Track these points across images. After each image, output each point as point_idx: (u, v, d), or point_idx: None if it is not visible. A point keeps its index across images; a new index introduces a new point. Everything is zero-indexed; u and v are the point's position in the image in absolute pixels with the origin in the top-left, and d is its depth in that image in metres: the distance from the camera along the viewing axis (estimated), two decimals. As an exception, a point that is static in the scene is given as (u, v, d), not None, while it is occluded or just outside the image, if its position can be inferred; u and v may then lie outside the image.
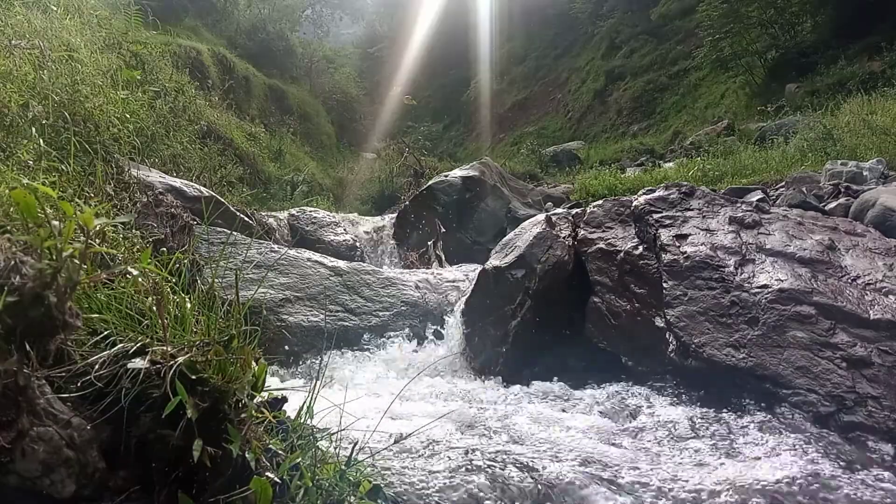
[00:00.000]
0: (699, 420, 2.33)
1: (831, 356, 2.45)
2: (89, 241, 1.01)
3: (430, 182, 7.46)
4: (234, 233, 4.28)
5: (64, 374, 0.99)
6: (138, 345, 1.07)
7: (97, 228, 1.11)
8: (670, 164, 10.66)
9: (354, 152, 17.14)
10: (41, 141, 2.66)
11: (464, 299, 4.00)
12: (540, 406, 2.65)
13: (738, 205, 3.61)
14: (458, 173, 7.40)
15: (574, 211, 4.21)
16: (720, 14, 14.62)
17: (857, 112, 7.88)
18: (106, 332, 1.11)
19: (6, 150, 2.51)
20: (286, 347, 3.46)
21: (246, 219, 5.34)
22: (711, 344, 2.71)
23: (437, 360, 3.51)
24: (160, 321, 1.09)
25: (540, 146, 16.13)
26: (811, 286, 2.77)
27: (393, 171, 11.44)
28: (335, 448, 1.27)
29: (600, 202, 3.95)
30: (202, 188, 4.92)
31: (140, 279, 1.21)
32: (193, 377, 1.02)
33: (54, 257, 0.94)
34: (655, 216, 3.49)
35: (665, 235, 3.31)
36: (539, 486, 1.62)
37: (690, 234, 3.28)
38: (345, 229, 6.89)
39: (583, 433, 2.18)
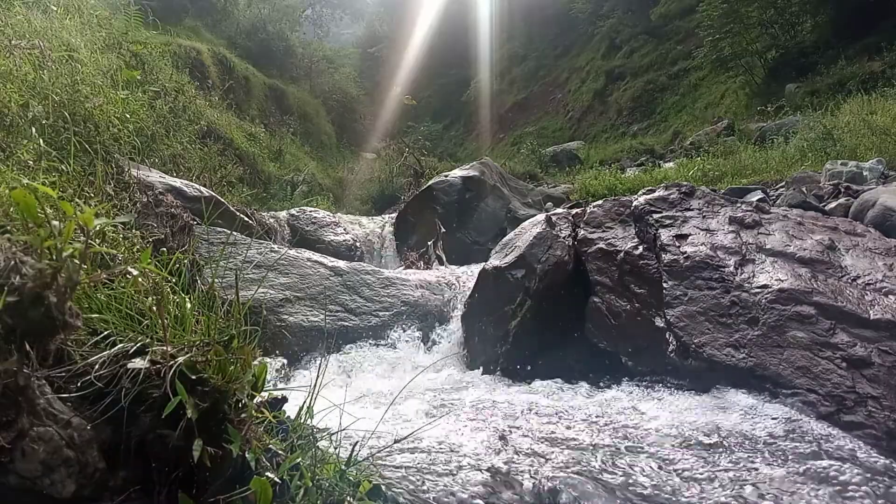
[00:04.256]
0: (698, 420, 2.33)
1: (831, 356, 2.45)
2: (89, 241, 1.01)
3: (430, 182, 7.46)
4: (234, 233, 4.28)
5: (64, 374, 0.99)
6: (138, 345, 1.07)
7: (97, 228, 1.11)
8: (670, 164, 10.68)
9: (354, 152, 17.16)
10: (41, 141, 2.66)
11: (464, 299, 4.00)
12: (539, 406, 2.65)
13: (738, 205, 3.60)
14: (458, 173, 7.40)
15: (574, 211, 4.20)
16: (720, 14, 14.65)
17: (857, 112, 7.89)
18: (106, 332, 1.11)
19: (6, 150, 2.51)
20: (292, 348, 3.46)
21: (246, 219, 5.34)
22: (711, 344, 2.71)
23: (436, 360, 3.51)
24: (160, 321, 1.09)
25: (540, 146, 16.15)
26: (811, 286, 2.77)
27: (393, 171, 11.45)
28: (335, 448, 1.27)
29: (600, 202, 3.94)
30: (202, 188, 4.92)
31: (140, 279, 1.21)
32: (193, 377, 1.02)
33: (54, 257, 0.94)
34: (655, 216, 3.49)
35: (665, 235, 3.31)
36: (539, 486, 1.62)
37: (690, 234, 3.28)
38: (345, 229, 6.88)
39: (582, 433, 2.18)
